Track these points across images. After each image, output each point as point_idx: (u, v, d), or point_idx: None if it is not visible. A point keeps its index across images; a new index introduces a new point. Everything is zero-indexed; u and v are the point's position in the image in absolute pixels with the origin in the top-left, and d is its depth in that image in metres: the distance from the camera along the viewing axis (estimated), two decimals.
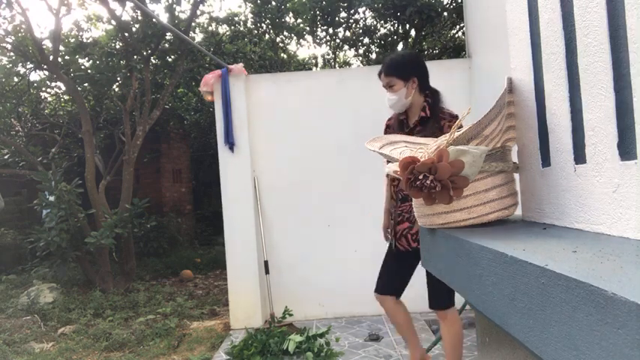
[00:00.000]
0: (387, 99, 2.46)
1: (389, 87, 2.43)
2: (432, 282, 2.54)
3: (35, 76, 8.41)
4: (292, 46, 10.14)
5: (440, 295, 2.53)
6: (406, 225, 2.44)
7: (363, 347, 3.76)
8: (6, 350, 4.21)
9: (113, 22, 7.19)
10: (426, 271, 2.57)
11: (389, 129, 2.66)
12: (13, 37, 6.93)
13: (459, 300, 2.74)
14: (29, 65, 7.42)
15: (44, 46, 6.47)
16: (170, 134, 9.51)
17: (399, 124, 2.55)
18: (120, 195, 6.43)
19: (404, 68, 2.43)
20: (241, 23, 8.63)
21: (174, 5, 6.95)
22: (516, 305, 0.78)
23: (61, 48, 6.92)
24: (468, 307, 3.65)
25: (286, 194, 4.65)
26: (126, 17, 7.06)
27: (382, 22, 7.87)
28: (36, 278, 6.47)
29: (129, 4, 6.76)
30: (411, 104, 2.48)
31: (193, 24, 7.99)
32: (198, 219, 10.35)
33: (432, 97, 2.49)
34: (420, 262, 2.43)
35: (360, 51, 8.59)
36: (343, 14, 7.80)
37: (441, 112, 2.44)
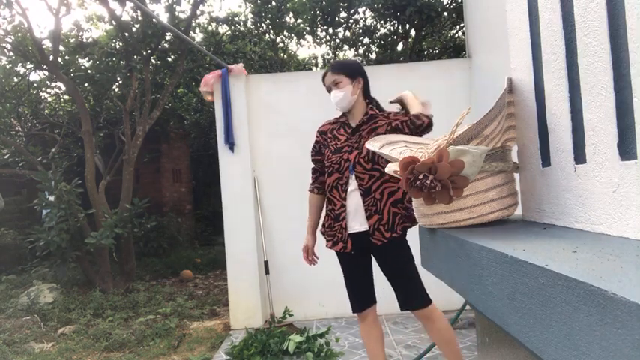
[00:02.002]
0: (333, 96, 2.48)
1: (335, 84, 2.46)
2: (403, 279, 2.41)
3: (35, 76, 8.42)
4: (292, 46, 10.14)
5: (415, 293, 2.39)
6: (376, 218, 2.37)
7: (363, 347, 3.76)
8: (6, 350, 4.21)
9: (113, 22, 7.19)
10: (387, 271, 2.43)
11: (324, 135, 2.60)
12: (13, 37, 6.93)
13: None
14: (29, 65, 7.42)
15: (44, 46, 6.47)
16: (170, 134, 9.52)
17: (340, 127, 2.55)
18: (120, 195, 6.42)
19: (350, 67, 2.50)
20: (241, 23, 8.63)
21: (174, 5, 6.95)
22: (516, 305, 0.78)
23: (61, 48, 6.92)
24: (468, 307, 3.65)
25: (286, 194, 4.64)
26: (126, 17, 7.07)
27: (382, 22, 7.88)
28: (36, 278, 6.47)
29: (129, 4, 6.76)
30: (354, 105, 2.50)
31: (193, 24, 7.99)
32: (198, 219, 10.35)
33: (374, 103, 2.56)
34: (388, 254, 2.39)
35: (360, 51, 8.59)
36: (343, 14, 7.80)
37: (390, 113, 2.49)
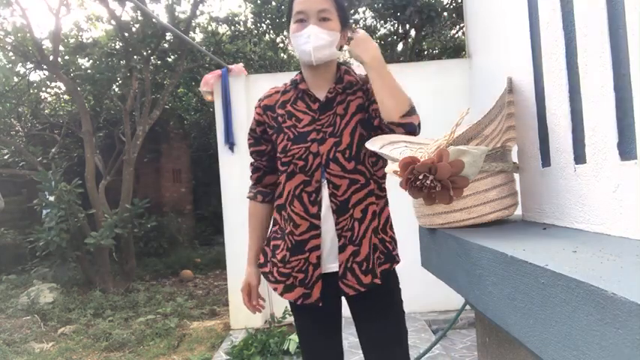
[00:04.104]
0: (313, 35, 1.46)
1: (321, 18, 1.48)
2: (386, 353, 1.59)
3: (35, 76, 8.43)
4: None
5: None
6: (349, 250, 1.52)
7: None
8: (6, 350, 4.21)
9: (113, 22, 7.20)
10: (365, 338, 1.60)
11: (270, 112, 1.61)
12: (13, 37, 6.93)
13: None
14: (29, 65, 7.42)
15: (44, 46, 6.48)
16: (170, 134, 9.52)
17: (297, 97, 1.59)
18: (120, 195, 6.43)
19: (345, 9, 1.57)
20: (241, 23, 8.64)
21: (174, 5, 6.96)
22: (516, 305, 0.78)
23: (61, 48, 6.93)
24: (468, 307, 3.65)
25: None
26: (126, 17, 7.08)
27: (382, 22, 7.88)
28: (36, 278, 6.47)
29: (129, 4, 6.77)
30: (329, 64, 1.57)
31: (193, 24, 7.99)
32: (198, 219, 10.36)
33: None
34: (369, 311, 1.57)
35: None
36: None
37: (366, 81, 1.58)
